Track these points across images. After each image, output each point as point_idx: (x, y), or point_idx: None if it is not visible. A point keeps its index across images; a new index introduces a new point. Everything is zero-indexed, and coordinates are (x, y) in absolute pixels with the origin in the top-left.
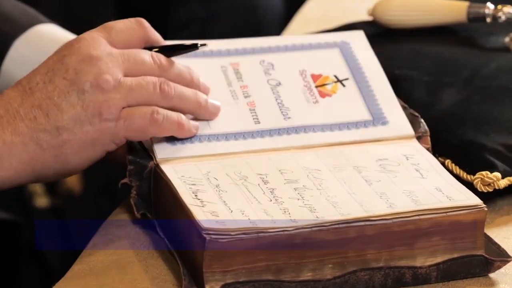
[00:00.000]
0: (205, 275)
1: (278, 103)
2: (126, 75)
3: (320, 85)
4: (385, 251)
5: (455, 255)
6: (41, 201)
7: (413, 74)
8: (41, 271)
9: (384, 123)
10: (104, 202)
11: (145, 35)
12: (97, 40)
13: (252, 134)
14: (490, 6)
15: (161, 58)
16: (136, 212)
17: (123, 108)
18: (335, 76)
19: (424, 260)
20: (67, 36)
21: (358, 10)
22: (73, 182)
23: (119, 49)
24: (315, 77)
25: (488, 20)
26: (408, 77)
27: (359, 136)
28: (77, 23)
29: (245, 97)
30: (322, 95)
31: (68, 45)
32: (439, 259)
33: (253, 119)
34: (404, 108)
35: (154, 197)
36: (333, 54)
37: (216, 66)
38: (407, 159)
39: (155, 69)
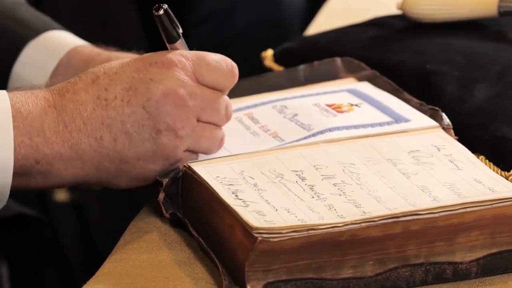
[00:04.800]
0: (247, 274)
1: (298, 125)
2: (198, 119)
3: (336, 108)
4: (425, 247)
5: (494, 250)
6: (61, 195)
7: (444, 69)
8: (60, 266)
9: (407, 120)
10: (122, 198)
11: (230, 85)
12: (187, 73)
13: (279, 145)
14: None
15: (231, 112)
16: (165, 212)
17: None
18: (349, 103)
19: (463, 256)
20: (79, 42)
21: (383, 4)
22: None
23: (201, 84)
24: (329, 105)
25: None
26: (439, 72)
27: (385, 130)
28: (97, 17)
29: (265, 131)
30: (340, 112)
31: (159, 64)
32: (478, 254)
33: (277, 141)
34: (421, 105)
35: (184, 198)
36: (342, 94)
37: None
38: (439, 150)
39: (223, 121)
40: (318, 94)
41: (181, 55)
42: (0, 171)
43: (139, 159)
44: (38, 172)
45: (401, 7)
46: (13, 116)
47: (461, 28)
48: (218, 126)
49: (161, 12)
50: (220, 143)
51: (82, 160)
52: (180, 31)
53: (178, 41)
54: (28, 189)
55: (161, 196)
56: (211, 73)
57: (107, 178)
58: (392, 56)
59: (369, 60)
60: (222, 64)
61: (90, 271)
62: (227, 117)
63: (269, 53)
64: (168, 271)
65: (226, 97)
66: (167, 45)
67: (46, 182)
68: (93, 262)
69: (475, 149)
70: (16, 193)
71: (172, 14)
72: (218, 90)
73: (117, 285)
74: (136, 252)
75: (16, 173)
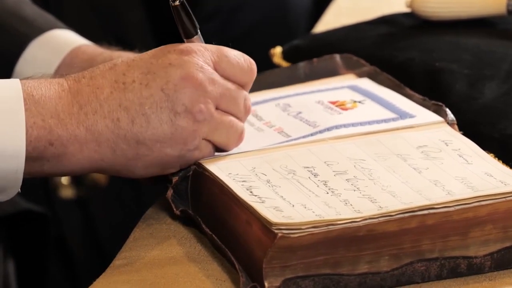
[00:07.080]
0: (265, 271)
1: (303, 122)
2: (217, 107)
3: (340, 105)
4: (440, 241)
5: (507, 244)
6: (66, 192)
7: (453, 67)
8: (66, 262)
9: (412, 116)
10: (128, 194)
11: (249, 81)
12: (206, 60)
13: (286, 142)
14: None
15: (250, 106)
16: (175, 209)
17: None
18: (352, 100)
19: (476, 250)
20: (82, 41)
21: (391, 2)
22: (99, 173)
23: (221, 76)
24: (332, 102)
25: None
26: (448, 70)
27: (391, 126)
28: (104, 15)
29: (270, 127)
30: (344, 109)
31: (178, 51)
32: (491, 248)
33: (283, 136)
34: (424, 100)
35: (193, 195)
36: (344, 91)
37: None
38: (447, 145)
39: (242, 113)
40: (319, 91)
41: (201, 45)
42: (12, 156)
43: (157, 142)
44: (52, 155)
45: (410, 5)
46: (24, 100)
47: (470, 26)
48: (237, 118)
49: (177, 2)
50: (239, 137)
51: (98, 142)
52: (197, 26)
53: (195, 36)
54: (42, 175)
55: (170, 193)
56: (231, 67)
57: (123, 162)
58: (400, 53)
59: (378, 58)
60: (241, 59)
61: (95, 267)
62: (246, 111)
63: (277, 50)
64: (179, 267)
65: (244, 91)
66: (184, 40)
67: (60, 166)
68: (98, 258)
69: (484, 147)
70: (22, 189)
71: (189, 8)
72: (237, 85)
73: (127, 282)
74: (146, 249)
75: (29, 157)
